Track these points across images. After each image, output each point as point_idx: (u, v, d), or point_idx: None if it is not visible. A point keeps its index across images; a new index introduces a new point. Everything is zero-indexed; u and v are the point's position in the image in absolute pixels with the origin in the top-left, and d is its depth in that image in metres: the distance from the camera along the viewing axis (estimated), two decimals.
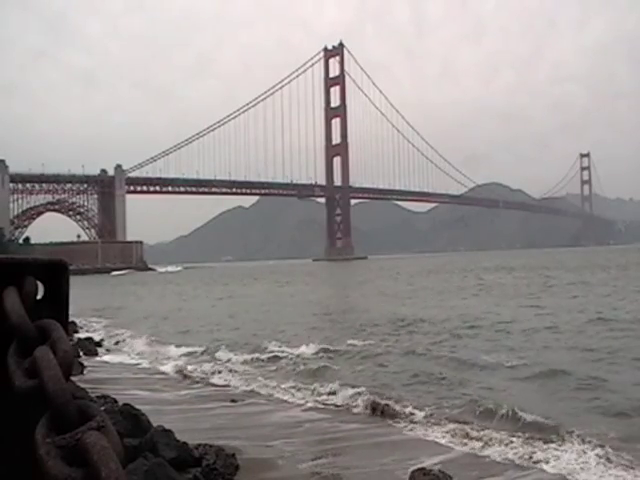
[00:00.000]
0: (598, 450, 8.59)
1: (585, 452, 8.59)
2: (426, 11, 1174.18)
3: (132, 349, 21.05)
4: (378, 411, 11.54)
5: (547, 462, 8.44)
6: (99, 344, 22.13)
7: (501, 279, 55.15)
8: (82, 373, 15.94)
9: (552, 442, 9.12)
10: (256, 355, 17.95)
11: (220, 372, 15.87)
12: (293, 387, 13.80)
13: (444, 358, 16.36)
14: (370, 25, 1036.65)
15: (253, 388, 14.09)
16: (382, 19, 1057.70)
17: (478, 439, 9.55)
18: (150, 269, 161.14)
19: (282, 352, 18.06)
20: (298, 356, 17.38)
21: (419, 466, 8.15)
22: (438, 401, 11.97)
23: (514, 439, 9.39)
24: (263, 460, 8.97)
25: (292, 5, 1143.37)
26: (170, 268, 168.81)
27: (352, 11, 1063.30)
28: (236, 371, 15.97)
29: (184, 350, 19.69)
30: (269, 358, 17.42)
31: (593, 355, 15.99)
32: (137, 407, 9.45)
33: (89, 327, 27.88)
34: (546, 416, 10.25)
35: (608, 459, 8.35)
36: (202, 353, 19.00)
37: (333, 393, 12.93)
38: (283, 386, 13.92)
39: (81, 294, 47.68)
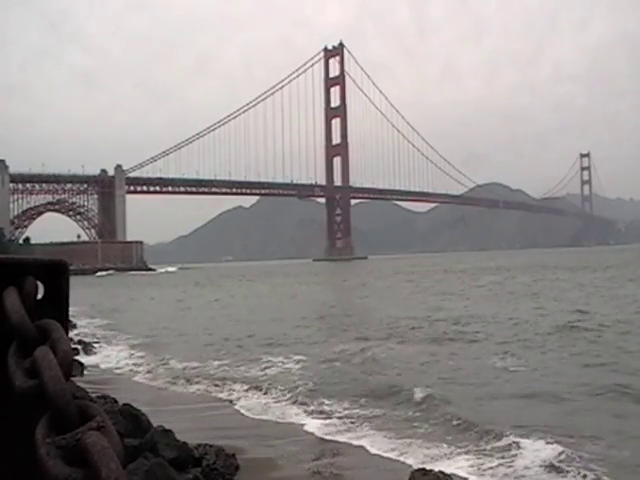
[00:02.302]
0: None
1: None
2: (427, 11, 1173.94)
3: (120, 351, 21.00)
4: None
5: None
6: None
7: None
8: (82, 374, 15.94)
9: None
10: (248, 358, 17.94)
11: (211, 374, 15.88)
12: (289, 388, 13.81)
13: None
14: (371, 25, 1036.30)
15: (249, 388, 14.09)
16: (383, 19, 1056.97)
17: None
18: (151, 269, 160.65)
19: (274, 357, 17.84)
20: (290, 360, 17.32)
21: (419, 466, 8.15)
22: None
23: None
24: (263, 460, 8.97)
25: (294, 5, 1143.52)
26: (170, 269, 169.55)
27: (354, 11, 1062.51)
28: (226, 374, 15.97)
29: (176, 351, 19.70)
30: (263, 363, 17.23)
31: None
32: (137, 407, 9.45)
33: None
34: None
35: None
36: (194, 357, 18.66)
37: (329, 396, 12.94)
38: (279, 389, 13.90)
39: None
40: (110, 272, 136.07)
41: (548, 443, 8.96)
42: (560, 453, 8.58)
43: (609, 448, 8.94)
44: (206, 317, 31.89)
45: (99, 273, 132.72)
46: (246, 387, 14.13)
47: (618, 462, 8.37)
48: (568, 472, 8.05)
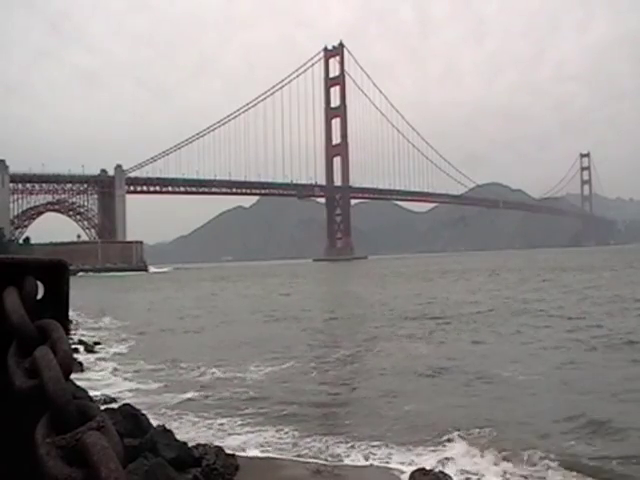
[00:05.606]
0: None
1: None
2: (430, 11, 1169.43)
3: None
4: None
5: None
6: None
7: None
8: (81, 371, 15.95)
9: None
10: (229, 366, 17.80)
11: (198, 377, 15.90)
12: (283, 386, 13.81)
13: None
14: (374, 25, 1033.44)
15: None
16: (386, 19, 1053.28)
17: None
18: (145, 270, 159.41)
19: (263, 364, 17.44)
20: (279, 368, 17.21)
21: (419, 466, 8.16)
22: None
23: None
24: (263, 460, 8.97)
25: (296, 4, 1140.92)
26: (166, 269, 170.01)
27: (356, 11, 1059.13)
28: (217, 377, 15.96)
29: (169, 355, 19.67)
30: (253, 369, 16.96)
31: None
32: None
33: None
34: None
35: None
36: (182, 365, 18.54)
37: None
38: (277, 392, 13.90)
39: None
40: (82, 274, 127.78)
41: None
42: None
43: None
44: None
45: (80, 273, 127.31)
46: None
47: None
48: None
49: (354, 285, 61.05)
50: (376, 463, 8.85)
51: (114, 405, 10.42)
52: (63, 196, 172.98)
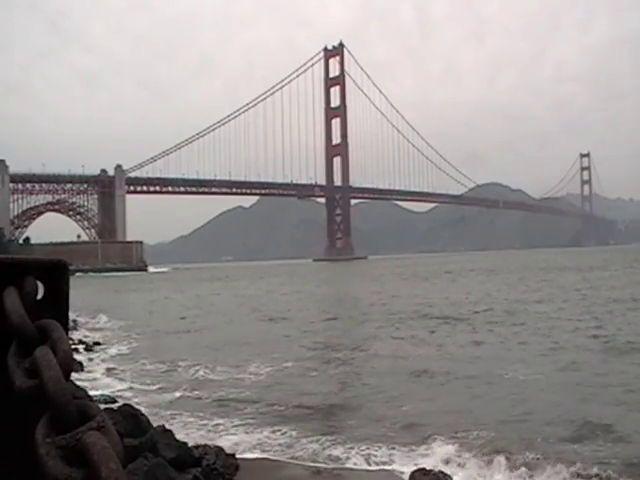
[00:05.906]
0: None
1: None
2: (431, 11, 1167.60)
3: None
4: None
5: None
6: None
7: None
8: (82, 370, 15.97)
9: None
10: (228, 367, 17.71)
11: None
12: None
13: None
14: (374, 25, 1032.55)
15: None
16: (386, 19, 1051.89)
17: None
18: (145, 270, 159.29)
19: (262, 365, 17.31)
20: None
21: (419, 466, 8.18)
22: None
23: None
24: (263, 460, 8.98)
25: (296, 4, 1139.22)
26: (165, 269, 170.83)
27: (356, 11, 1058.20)
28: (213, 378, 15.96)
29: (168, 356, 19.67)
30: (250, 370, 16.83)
31: None
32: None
33: None
34: None
35: None
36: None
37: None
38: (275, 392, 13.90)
39: None
40: (80, 274, 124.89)
41: None
42: None
43: None
44: None
45: (78, 274, 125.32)
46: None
47: None
48: None
49: (354, 285, 61.10)
50: (376, 463, 8.86)
51: (114, 405, 10.43)
52: (63, 196, 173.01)
